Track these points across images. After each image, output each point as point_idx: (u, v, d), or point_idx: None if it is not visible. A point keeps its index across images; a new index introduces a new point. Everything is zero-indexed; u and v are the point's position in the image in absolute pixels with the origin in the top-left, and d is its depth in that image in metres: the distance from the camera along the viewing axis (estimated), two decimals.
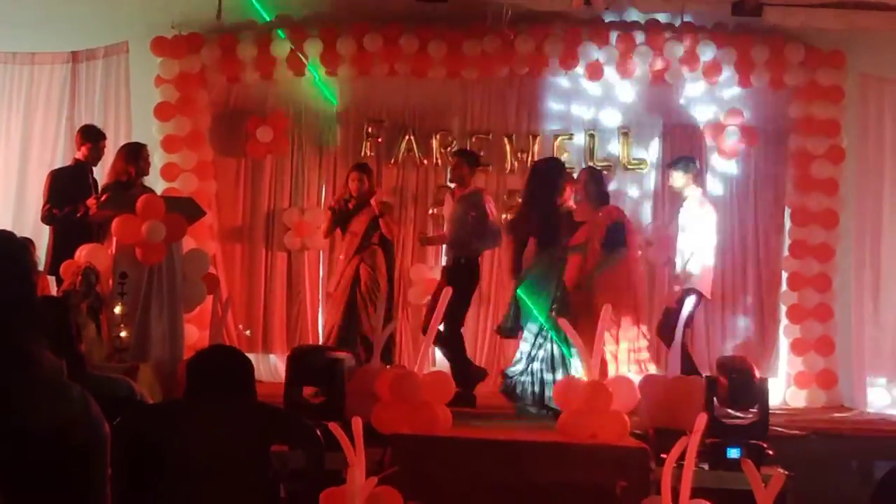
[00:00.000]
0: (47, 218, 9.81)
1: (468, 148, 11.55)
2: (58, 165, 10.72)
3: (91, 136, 10.09)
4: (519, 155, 11.75)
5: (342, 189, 10.99)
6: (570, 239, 9.59)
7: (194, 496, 4.20)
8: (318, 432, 4.76)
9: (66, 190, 9.80)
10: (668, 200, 11.71)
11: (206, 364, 4.59)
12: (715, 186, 11.76)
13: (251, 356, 5.02)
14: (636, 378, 8.89)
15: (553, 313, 9.24)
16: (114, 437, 3.29)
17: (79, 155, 10.07)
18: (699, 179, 10.66)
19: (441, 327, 9.38)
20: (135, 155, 9.83)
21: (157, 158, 11.19)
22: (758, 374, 8.04)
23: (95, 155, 10.06)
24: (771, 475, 6.12)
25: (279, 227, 11.92)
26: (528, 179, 10.11)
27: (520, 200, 10.62)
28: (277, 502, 4.61)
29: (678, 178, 10.25)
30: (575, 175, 10.43)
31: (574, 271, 9.56)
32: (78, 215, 9.57)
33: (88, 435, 3.09)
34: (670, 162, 10.75)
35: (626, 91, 11.88)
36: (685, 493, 6.62)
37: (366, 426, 6.60)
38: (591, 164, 11.66)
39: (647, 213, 11.92)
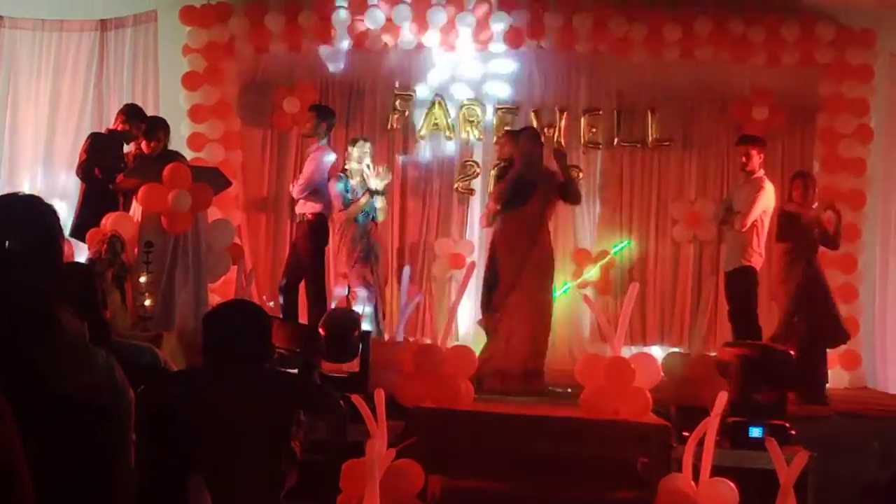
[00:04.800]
0: (84, 174, 9.79)
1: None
2: (85, 133, 10.67)
3: (133, 117, 10.03)
4: (546, 131, 11.65)
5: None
6: None
7: (217, 464, 4.21)
8: (342, 403, 4.76)
9: (104, 154, 9.80)
10: (693, 177, 11.74)
11: (223, 320, 4.53)
12: None
13: None
14: (659, 355, 8.87)
15: None
16: (138, 403, 3.31)
17: (113, 126, 10.07)
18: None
19: None
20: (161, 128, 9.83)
21: (184, 128, 11.22)
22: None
23: (130, 133, 10.03)
24: (793, 455, 6.12)
25: None
26: None
27: None
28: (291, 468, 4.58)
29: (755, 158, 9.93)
30: None
31: None
32: (110, 185, 9.58)
33: (113, 399, 3.11)
34: (743, 138, 10.35)
35: (654, 68, 11.78)
36: (706, 470, 6.63)
37: (388, 399, 6.62)
38: (617, 140, 11.70)
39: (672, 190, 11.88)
